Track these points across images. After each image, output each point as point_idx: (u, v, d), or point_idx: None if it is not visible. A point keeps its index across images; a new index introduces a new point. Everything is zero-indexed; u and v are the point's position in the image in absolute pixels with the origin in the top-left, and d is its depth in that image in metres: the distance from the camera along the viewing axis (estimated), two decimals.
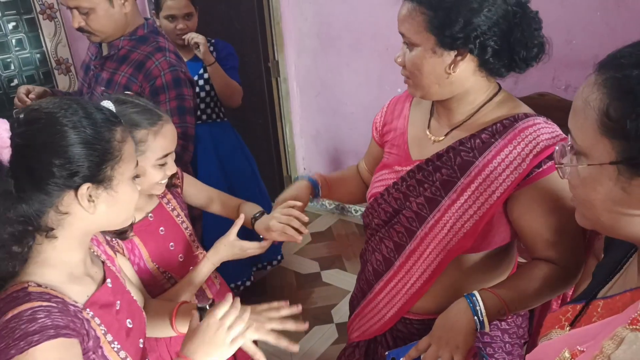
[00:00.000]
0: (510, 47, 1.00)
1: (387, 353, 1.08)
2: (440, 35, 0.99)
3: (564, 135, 1.02)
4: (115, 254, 1.09)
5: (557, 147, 0.70)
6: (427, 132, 1.16)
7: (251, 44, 3.26)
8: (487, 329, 1.00)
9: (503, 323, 1.20)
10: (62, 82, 2.74)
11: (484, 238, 1.07)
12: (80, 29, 1.58)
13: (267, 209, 2.78)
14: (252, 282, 2.67)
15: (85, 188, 0.82)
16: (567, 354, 0.65)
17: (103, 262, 0.99)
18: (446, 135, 1.12)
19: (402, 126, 1.23)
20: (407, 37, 1.04)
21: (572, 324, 0.74)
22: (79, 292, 0.87)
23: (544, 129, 1.02)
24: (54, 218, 0.82)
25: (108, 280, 0.95)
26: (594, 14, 2.24)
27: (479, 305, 1.00)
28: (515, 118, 1.05)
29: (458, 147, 1.08)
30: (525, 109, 1.09)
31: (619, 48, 0.62)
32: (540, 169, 1.00)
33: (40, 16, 2.62)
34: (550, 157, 0.99)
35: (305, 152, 3.66)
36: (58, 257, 0.85)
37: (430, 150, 1.13)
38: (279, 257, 2.84)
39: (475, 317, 1.00)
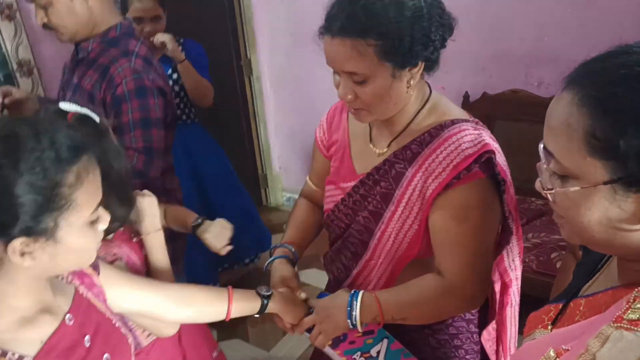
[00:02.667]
0: (441, 37, 0.99)
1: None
2: (397, 58, 0.95)
3: (486, 141, 1.00)
4: (97, 271, 0.92)
5: (540, 173, 0.66)
6: (371, 146, 1.15)
7: (223, 42, 3.21)
8: (360, 330, 1.08)
9: (467, 314, 1.21)
10: (25, 85, 2.63)
11: (429, 244, 1.07)
12: (45, 26, 1.50)
13: (248, 205, 2.75)
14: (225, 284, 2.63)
15: (17, 243, 0.68)
16: (552, 353, 0.65)
17: (75, 288, 0.86)
18: (388, 146, 1.12)
19: (343, 139, 1.22)
20: (360, 73, 0.97)
21: (554, 323, 0.74)
22: (31, 341, 0.75)
23: (468, 137, 1.01)
24: None
25: (67, 316, 0.81)
26: (565, 10, 2.27)
27: (356, 311, 1.06)
28: (442, 126, 1.04)
29: (392, 159, 1.09)
30: (455, 113, 1.08)
31: (583, 62, 0.60)
32: (459, 180, 1.00)
33: None
34: (468, 169, 0.98)
35: (280, 151, 3.63)
36: (4, 302, 0.74)
37: (374, 163, 1.13)
38: (255, 258, 2.82)
39: (349, 320, 1.07)
